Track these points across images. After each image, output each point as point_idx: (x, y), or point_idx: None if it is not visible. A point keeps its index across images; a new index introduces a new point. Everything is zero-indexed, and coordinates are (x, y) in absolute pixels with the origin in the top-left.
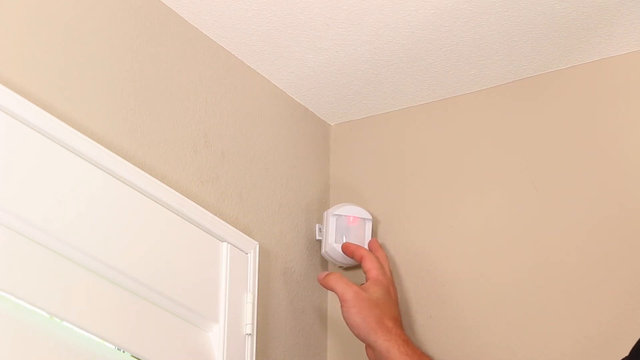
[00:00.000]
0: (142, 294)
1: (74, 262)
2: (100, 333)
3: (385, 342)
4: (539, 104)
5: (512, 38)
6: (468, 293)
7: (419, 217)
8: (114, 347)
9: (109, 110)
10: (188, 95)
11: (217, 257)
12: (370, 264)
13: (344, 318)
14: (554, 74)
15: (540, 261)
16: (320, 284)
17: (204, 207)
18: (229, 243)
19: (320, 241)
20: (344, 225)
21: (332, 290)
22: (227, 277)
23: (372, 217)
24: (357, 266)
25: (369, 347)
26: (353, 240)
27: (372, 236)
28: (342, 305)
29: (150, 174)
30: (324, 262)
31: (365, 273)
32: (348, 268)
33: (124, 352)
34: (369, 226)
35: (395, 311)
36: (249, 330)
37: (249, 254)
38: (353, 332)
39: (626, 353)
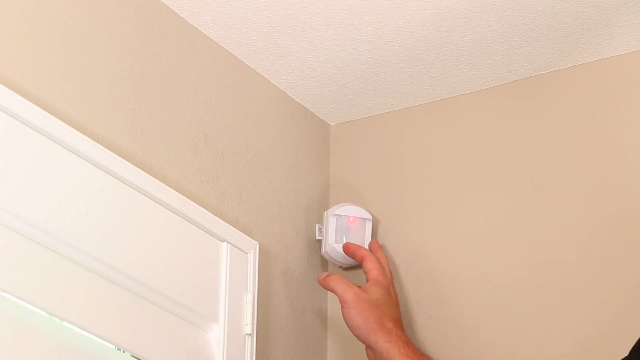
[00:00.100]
0: (142, 294)
1: (74, 262)
2: (100, 333)
3: (385, 343)
4: (539, 104)
5: (512, 38)
6: (468, 293)
7: (419, 217)
8: (114, 347)
9: (109, 110)
10: (188, 95)
11: (217, 257)
12: (370, 265)
13: (344, 319)
14: (554, 74)
15: (540, 261)
16: (321, 284)
17: (204, 207)
18: (229, 243)
19: (320, 241)
20: (344, 225)
21: (333, 291)
22: (227, 277)
23: (372, 217)
24: (357, 266)
25: (369, 348)
26: (353, 240)
27: (372, 236)
28: (342, 306)
29: (150, 174)
30: (324, 262)
31: (365, 274)
32: (348, 268)
33: (124, 352)
34: (369, 226)
35: (395, 312)
36: (249, 330)
37: (249, 254)
38: (353, 333)
39: (626, 353)
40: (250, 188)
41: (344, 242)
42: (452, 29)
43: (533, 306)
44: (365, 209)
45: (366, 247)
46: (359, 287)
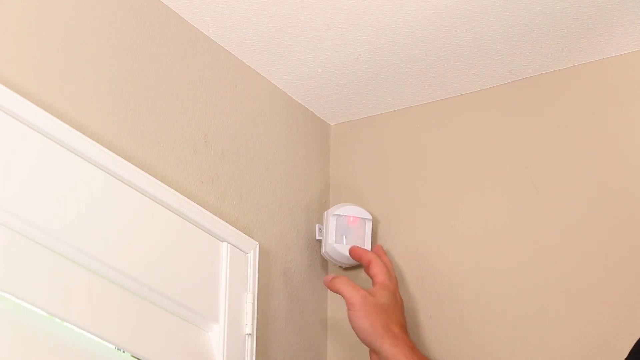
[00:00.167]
0: (142, 294)
1: (74, 262)
2: (100, 333)
3: (391, 348)
4: (539, 104)
5: (512, 38)
6: (468, 293)
7: (419, 217)
8: (114, 347)
9: (109, 110)
10: (188, 95)
11: (217, 257)
12: (377, 269)
13: (350, 322)
14: (554, 74)
15: (540, 261)
16: (327, 287)
17: (204, 207)
18: (229, 243)
19: (320, 241)
20: (344, 225)
21: (339, 294)
22: (227, 277)
23: (372, 217)
24: (358, 266)
25: (374, 352)
26: (353, 240)
27: (372, 236)
28: (348, 309)
29: (150, 174)
30: (324, 262)
31: (372, 278)
32: (348, 268)
33: (124, 352)
34: (369, 226)
35: (401, 317)
36: (249, 330)
37: (249, 254)
38: (359, 337)
39: (626, 353)
40: (250, 188)
41: (344, 242)
42: (452, 29)
43: (533, 306)
44: (365, 209)
45: (366, 247)
46: (366, 290)
